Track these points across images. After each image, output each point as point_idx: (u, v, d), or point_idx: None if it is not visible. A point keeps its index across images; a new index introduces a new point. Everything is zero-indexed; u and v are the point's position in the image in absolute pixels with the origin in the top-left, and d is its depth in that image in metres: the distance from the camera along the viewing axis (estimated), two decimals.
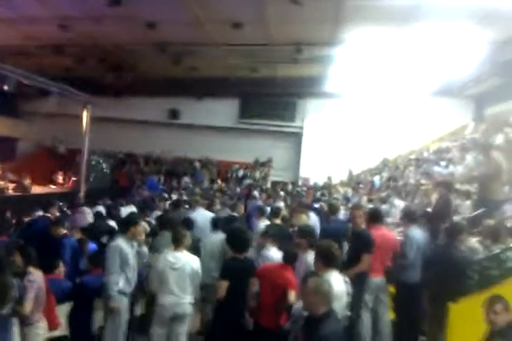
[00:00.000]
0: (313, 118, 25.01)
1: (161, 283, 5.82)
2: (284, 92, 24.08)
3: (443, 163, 14.26)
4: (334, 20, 16.20)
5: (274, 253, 6.42)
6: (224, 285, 5.41)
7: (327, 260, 4.46)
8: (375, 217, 6.79)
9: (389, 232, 7.10)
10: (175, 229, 6.51)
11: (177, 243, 5.93)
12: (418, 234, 6.79)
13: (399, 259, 6.67)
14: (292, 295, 5.34)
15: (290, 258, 5.56)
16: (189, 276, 5.83)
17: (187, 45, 18.25)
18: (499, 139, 13.75)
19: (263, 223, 8.26)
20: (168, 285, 5.77)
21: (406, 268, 6.60)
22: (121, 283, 5.87)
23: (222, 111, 25.27)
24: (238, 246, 5.79)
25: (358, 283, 5.91)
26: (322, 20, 16.09)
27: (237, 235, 5.94)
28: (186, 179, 23.02)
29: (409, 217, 7.17)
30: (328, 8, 15.14)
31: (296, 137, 25.63)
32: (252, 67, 21.28)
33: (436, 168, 13.49)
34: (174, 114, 25.73)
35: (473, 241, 6.27)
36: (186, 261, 5.88)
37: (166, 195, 16.26)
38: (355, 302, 5.68)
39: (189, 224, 7.83)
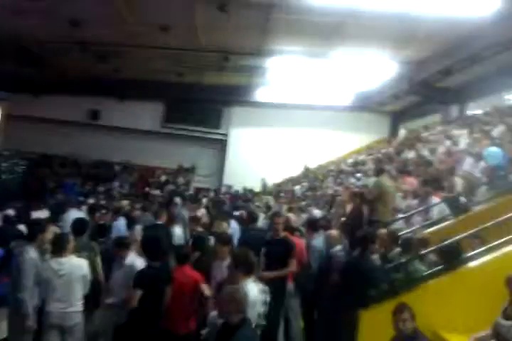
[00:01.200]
0: (239, 126, 25.21)
1: (48, 291, 5.56)
2: (211, 99, 24.09)
3: (358, 175, 14.88)
4: (262, 31, 16.50)
5: None
6: (136, 294, 5.28)
7: (244, 268, 4.50)
8: (314, 225, 7.11)
9: (298, 240, 7.34)
10: (59, 234, 6.21)
11: (59, 248, 5.66)
12: (320, 242, 7.08)
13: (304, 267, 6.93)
14: (206, 289, 5.40)
15: (182, 259, 5.63)
16: (77, 282, 5.62)
17: (112, 45, 17.78)
18: (411, 155, 14.58)
19: (178, 230, 8.17)
20: (54, 293, 5.54)
21: (309, 275, 6.86)
22: (36, 299, 5.57)
23: (146, 114, 24.76)
24: (152, 255, 5.70)
25: (280, 290, 6.07)
26: (250, 30, 16.33)
27: (151, 243, 5.86)
28: (111, 184, 22.33)
29: (312, 226, 7.49)
30: (256, 18, 15.39)
31: (221, 144, 25.70)
32: (178, 71, 21.11)
33: (352, 180, 14.04)
34: (94, 114, 24.82)
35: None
36: (72, 266, 5.65)
37: (82, 199, 15.64)
38: (276, 309, 5.81)
39: (102, 230, 7.57)
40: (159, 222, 8.62)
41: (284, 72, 20.31)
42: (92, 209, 10.92)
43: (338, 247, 6.74)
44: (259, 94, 23.78)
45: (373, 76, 20.47)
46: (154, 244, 5.83)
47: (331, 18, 15.10)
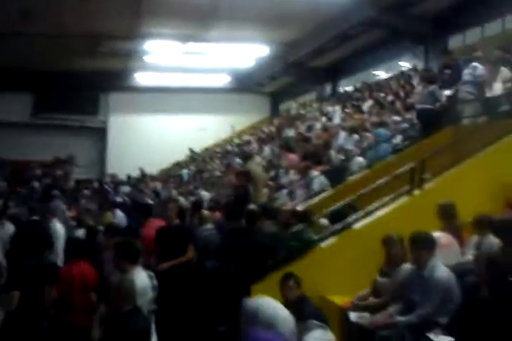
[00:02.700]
0: (118, 112, 24.25)
1: None
2: (85, 86, 22.79)
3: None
4: (134, 13, 15.92)
5: None
6: (15, 295, 4.91)
7: (130, 257, 4.37)
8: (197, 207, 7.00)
9: None
10: None
11: None
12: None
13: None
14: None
15: (76, 254, 5.37)
16: None
17: None
18: (291, 133, 15.12)
19: (58, 225, 7.69)
20: None
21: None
22: None
23: (13, 105, 22.75)
24: (26, 253, 5.30)
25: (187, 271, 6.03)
26: (122, 13, 15.68)
27: (24, 240, 5.46)
28: None
29: (196, 208, 7.47)
30: (128, 1, 14.83)
31: (101, 132, 24.58)
32: (47, 58, 19.69)
33: (238, 160, 14.27)
34: None
35: (268, 224, 6.76)
36: None
37: None
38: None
39: None
40: (35, 218, 8.06)
41: (162, 56, 19.85)
42: None
43: (208, 226, 6.77)
44: (138, 79, 23.04)
45: (249, 57, 20.79)
46: (27, 241, 5.42)
47: (204, 0, 15.01)
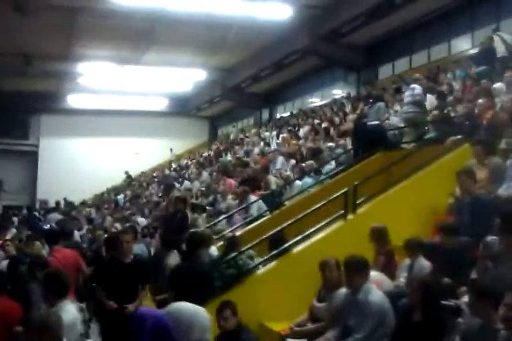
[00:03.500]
0: (50, 135, 23.42)
1: None
2: (14, 107, 21.87)
3: (182, 179, 14.97)
4: (68, 34, 15.61)
5: None
6: None
7: (56, 290, 4.12)
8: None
9: None
10: None
11: None
12: (139, 249, 6.88)
13: None
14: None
15: None
16: None
17: None
18: (229, 157, 15.15)
19: None
20: None
21: None
22: None
23: None
24: None
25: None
26: (54, 33, 15.32)
27: None
28: None
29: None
30: (61, 21, 14.51)
31: (32, 156, 23.62)
32: None
33: (176, 184, 14.07)
34: None
35: (213, 249, 6.64)
36: None
37: None
38: None
39: None
40: None
41: (96, 78, 19.51)
42: None
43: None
44: (71, 101, 22.46)
45: (187, 82, 20.85)
46: None
47: (139, 23, 14.96)
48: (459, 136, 6.55)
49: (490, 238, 3.56)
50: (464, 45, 13.01)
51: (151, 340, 2.85)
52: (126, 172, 21.81)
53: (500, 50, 8.94)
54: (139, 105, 23.53)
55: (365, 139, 7.94)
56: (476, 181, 4.87)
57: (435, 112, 7.98)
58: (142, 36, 15.77)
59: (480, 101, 6.97)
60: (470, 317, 3.15)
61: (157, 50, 17.21)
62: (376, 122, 7.82)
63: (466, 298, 3.38)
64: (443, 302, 3.47)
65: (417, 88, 8.37)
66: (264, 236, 5.85)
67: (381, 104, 8.14)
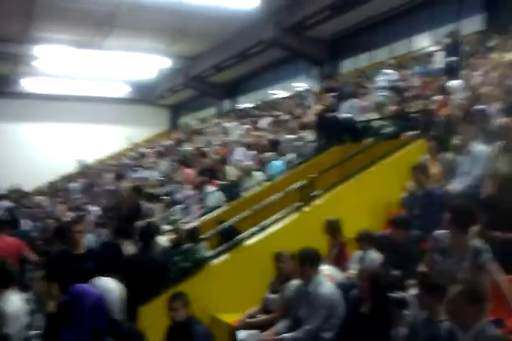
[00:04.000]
0: (3, 120, 22.44)
1: None
2: None
3: (140, 168, 14.68)
4: (26, 16, 15.02)
5: None
6: None
7: (1, 280, 3.96)
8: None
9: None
10: None
11: None
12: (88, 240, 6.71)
13: None
14: None
15: None
16: None
17: None
18: (190, 146, 14.95)
19: None
20: None
21: None
22: None
23: None
24: None
25: None
26: (11, 14, 14.72)
27: None
28: None
29: None
30: (19, 2, 13.97)
31: None
32: None
33: (133, 173, 13.80)
34: None
35: (163, 239, 6.53)
36: None
37: None
38: None
39: None
40: None
41: (53, 62, 18.86)
42: None
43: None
44: (25, 85, 21.63)
45: (149, 69, 20.45)
46: None
47: (101, 7, 14.53)
48: (414, 132, 6.66)
49: (439, 231, 3.62)
50: (424, 42, 13.26)
51: (91, 319, 2.80)
52: (79, 160, 20.96)
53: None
54: (98, 91, 22.93)
55: (334, 132, 7.98)
56: (429, 176, 4.96)
57: (393, 107, 8.10)
58: (104, 20, 15.32)
59: (436, 97, 7.12)
60: (416, 309, 3.21)
61: (119, 34, 16.78)
62: (349, 115, 7.90)
63: (413, 291, 3.44)
64: (391, 294, 3.52)
65: (395, 74, 8.46)
66: (219, 228, 5.81)
67: (355, 101, 8.23)
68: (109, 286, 3.64)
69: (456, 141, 5.47)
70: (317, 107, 10.29)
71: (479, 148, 4.98)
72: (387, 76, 8.48)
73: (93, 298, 2.91)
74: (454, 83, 7.48)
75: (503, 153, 4.69)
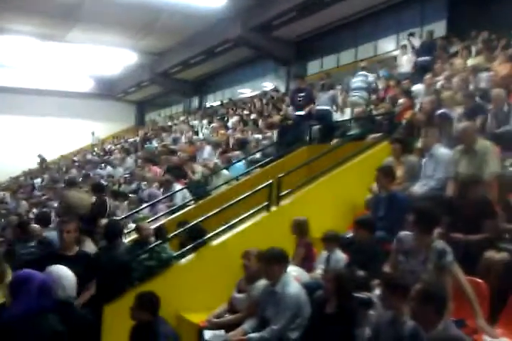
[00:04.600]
0: None
1: None
2: None
3: (104, 165, 14.47)
4: None
5: None
6: None
7: None
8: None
9: None
10: None
11: None
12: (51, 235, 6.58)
13: None
14: None
15: None
16: None
17: None
18: (155, 144, 14.82)
19: None
20: None
21: None
22: None
23: None
24: None
25: None
26: None
27: None
28: None
29: (42, 222, 6.86)
30: None
31: None
32: None
33: (98, 170, 13.59)
34: None
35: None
36: None
37: None
38: None
39: None
40: None
41: (16, 53, 18.34)
42: None
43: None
44: None
45: (114, 63, 20.13)
46: None
47: None
48: (379, 134, 6.80)
49: (403, 233, 3.71)
50: (390, 46, 13.53)
51: (38, 300, 2.93)
52: (40, 156, 20.35)
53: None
54: (61, 85, 22.41)
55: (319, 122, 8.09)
56: (393, 178, 5.07)
57: (359, 110, 8.25)
58: (69, 12, 14.98)
59: (400, 101, 7.28)
60: (381, 309, 3.28)
61: (84, 27, 16.44)
62: (327, 108, 7.99)
63: (378, 291, 3.52)
64: (355, 294, 3.59)
65: (370, 76, 8.67)
66: (186, 227, 5.78)
67: (335, 92, 8.35)
68: (63, 273, 3.61)
69: (419, 143, 5.62)
70: (276, 117, 10.45)
71: (442, 151, 5.12)
72: (363, 77, 8.66)
73: (39, 281, 3.01)
74: (417, 87, 7.67)
75: (463, 157, 4.83)
